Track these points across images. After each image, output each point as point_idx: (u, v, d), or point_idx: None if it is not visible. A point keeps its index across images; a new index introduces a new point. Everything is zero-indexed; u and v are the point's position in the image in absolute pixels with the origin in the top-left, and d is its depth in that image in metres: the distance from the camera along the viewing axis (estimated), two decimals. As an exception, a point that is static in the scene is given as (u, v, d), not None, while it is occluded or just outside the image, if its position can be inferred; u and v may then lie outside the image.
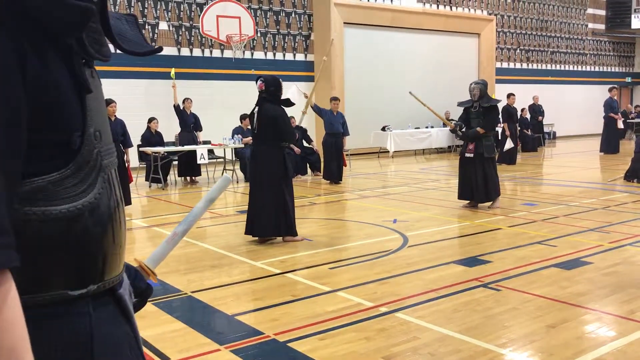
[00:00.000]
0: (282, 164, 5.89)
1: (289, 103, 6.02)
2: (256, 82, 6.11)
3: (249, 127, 11.77)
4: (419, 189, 9.91)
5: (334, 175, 10.88)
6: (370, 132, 16.30)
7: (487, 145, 7.58)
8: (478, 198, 7.69)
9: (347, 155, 12.07)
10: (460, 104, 8.07)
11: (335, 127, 10.85)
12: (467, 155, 7.67)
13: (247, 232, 6.08)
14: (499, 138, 14.36)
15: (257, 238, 6.08)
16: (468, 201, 7.84)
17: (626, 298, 4.07)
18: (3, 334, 0.76)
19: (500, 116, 14.20)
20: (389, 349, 3.26)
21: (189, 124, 11.72)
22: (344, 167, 11.26)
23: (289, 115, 6.19)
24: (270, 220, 5.87)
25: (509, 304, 3.98)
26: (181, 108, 11.72)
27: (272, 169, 5.88)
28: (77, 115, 0.94)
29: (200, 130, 12.00)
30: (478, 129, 7.55)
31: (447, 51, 18.76)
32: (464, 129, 7.78)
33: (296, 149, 11.20)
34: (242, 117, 11.99)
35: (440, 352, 3.21)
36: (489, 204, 7.76)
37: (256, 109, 6.04)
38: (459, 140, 8.51)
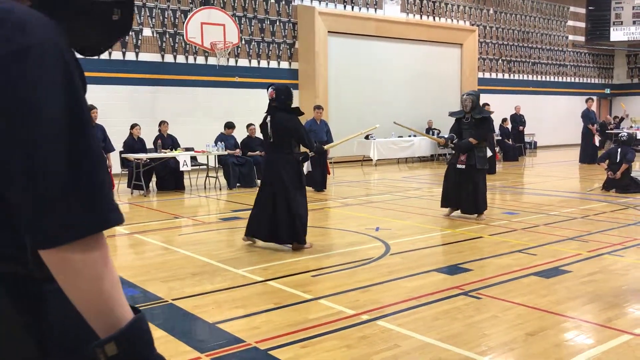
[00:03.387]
0: (298, 173, 5.97)
1: (299, 112, 6.07)
2: (267, 90, 6.11)
3: (232, 134, 11.90)
4: (401, 197, 9.96)
5: (318, 183, 10.89)
6: (354, 141, 16.36)
7: (479, 156, 7.48)
8: (466, 209, 7.61)
9: (330, 163, 12.09)
10: (451, 114, 7.99)
11: (319, 135, 10.85)
12: (459, 166, 7.55)
13: (252, 235, 6.12)
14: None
15: (245, 243, 6.20)
16: (449, 209, 7.81)
17: (604, 306, 4.13)
18: (111, 293, 0.94)
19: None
20: (370, 357, 3.27)
21: (167, 147, 11.59)
22: (327, 175, 11.28)
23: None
24: (286, 227, 5.89)
25: (489, 312, 4.02)
26: (158, 133, 11.69)
27: (288, 177, 5.90)
28: None
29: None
30: (471, 139, 7.45)
31: (430, 61, 18.93)
32: (455, 141, 7.68)
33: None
34: (227, 126, 11.98)
35: (420, 359, 3.22)
36: (475, 215, 7.66)
37: (268, 118, 6.05)
38: (441, 149, 8.43)
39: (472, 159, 7.48)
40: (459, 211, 7.80)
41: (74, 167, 0.91)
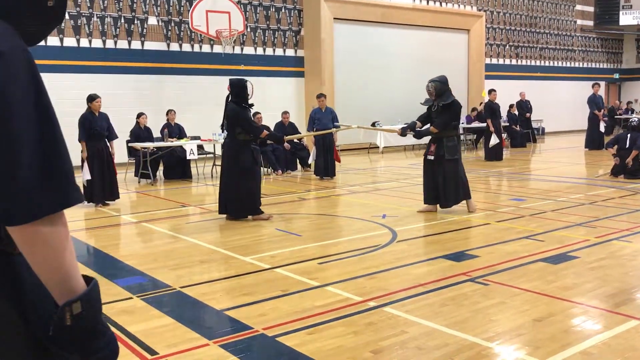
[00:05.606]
0: (237, 156, 6.83)
1: (247, 105, 6.93)
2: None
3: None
4: (408, 185, 9.94)
5: (322, 170, 10.91)
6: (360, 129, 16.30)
7: (448, 146, 7.03)
8: (441, 201, 7.18)
9: (339, 151, 12.06)
10: (424, 103, 7.53)
11: (324, 123, 10.85)
12: (429, 157, 7.19)
13: (220, 212, 7.11)
14: (483, 135, 14.43)
15: (232, 219, 7.01)
16: (431, 205, 7.29)
17: (611, 292, 4.12)
18: (71, 262, 1.10)
19: (483, 113, 14.33)
20: (377, 343, 3.28)
21: (174, 136, 11.60)
22: (337, 162, 11.25)
23: (256, 111, 7.02)
24: (234, 204, 6.92)
25: (496, 298, 4.02)
26: (166, 121, 11.71)
27: (231, 159, 6.90)
28: None
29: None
30: (431, 128, 7.12)
31: (437, 47, 18.79)
32: (418, 128, 7.32)
33: (286, 145, 11.21)
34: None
35: (427, 345, 3.23)
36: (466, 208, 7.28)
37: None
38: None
39: (441, 149, 7.05)
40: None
41: (44, 157, 1.05)
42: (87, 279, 1.14)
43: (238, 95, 6.89)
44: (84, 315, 1.10)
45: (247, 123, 6.89)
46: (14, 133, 1.02)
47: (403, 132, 7.59)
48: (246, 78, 7.19)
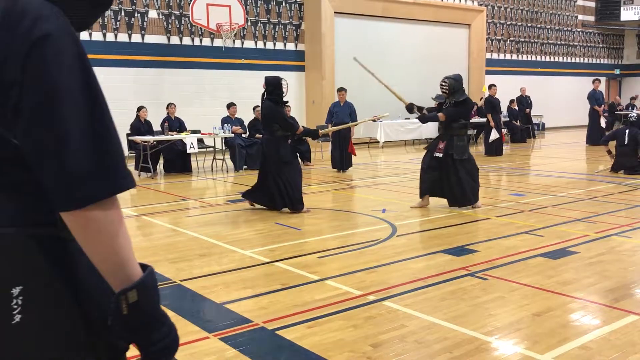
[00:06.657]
0: (277, 151, 6.99)
1: (282, 102, 7.14)
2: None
3: (236, 115, 11.95)
4: (408, 179, 9.94)
5: (337, 163, 11.04)
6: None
7: (458, 145, 6.95)
8: (450, 201, 7.11)
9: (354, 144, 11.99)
10: (435, 99, 7.47)
11: (340, 117, 11.06)
12: (437, 154, 7.07)
13: (271, 207, 7.19)
14: (483, 130, 14.43)
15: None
16: (424, 200, 7.25)
17: (611, 287, 4.13)
18: (126, 248, 1.07)
19: (484, 108, 14.33)
20: (377, 337, 3.29)
21: (174, 129, 11.59)
22: (353, 155, 11.28)
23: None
24: (275, 196, 7.04)
25: (496, 292, 4.03)
26: (166, 115, 11.71)
27: (271, 155, 7.04)
28: None
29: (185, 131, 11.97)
30: (439, 114, 7.05)
31: (438, 42, 18.75)
32: (424, 111, 7.24)
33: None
34: (229, 105, 12.03)
35: (427, 339, 3.24)
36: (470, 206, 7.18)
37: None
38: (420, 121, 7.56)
39: (450, 147, 6.97)
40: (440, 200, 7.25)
41: (94, 140, 1.03)
42: (144, 267, 1.12)
43: (272, 93, 7.07)
44: (141, 303, 1.07)
45: (283, 120, 7.09)
46: (63, 117, 1.01)
47: (410, 106, 7.38)
48: (281, 76, 7.29)
